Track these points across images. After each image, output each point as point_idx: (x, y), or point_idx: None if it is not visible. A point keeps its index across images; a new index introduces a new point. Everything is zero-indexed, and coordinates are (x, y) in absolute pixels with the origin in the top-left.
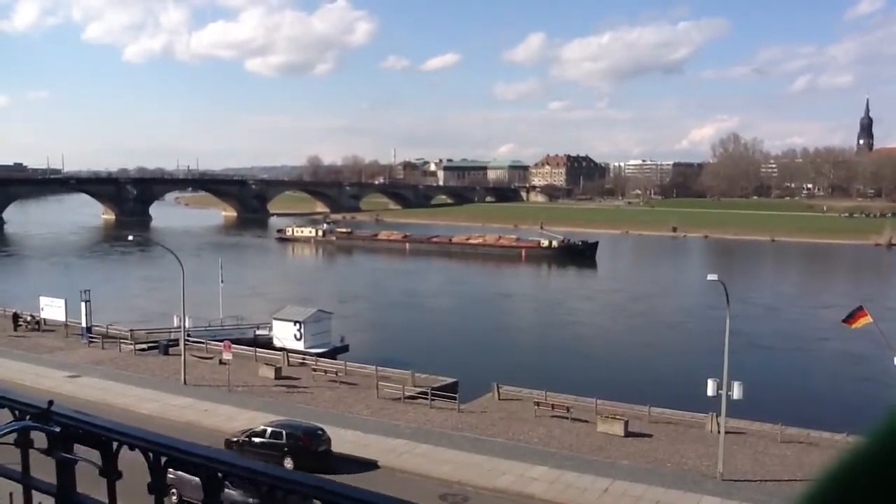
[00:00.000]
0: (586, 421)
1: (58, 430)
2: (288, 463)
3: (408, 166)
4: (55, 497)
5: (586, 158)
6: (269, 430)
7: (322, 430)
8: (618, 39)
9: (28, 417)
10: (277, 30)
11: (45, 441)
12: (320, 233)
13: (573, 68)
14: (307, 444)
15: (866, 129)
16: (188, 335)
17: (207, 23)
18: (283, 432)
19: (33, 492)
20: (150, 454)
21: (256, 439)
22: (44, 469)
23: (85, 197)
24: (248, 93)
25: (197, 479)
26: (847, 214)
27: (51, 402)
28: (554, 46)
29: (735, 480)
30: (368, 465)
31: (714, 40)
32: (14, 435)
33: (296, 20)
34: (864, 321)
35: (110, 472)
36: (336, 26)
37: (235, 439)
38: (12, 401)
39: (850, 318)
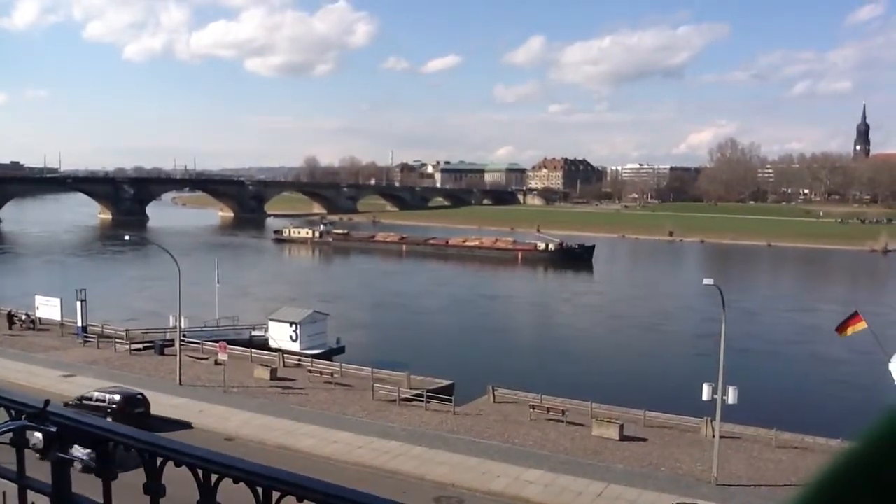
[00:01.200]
0: (581, 424)
1: (54, 429)
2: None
3: (405, 168)
4: (50, 497)
5: (584, 162)
6: (96, 394)
7: (142, 395)
8: (618, 43)
9: (24, 417)
10: (278, 30)
11: (41, 441)
12: (317, 234)
13: (573, 71)
14: (124, 407)
15: (863, 134)
16: (184, 335)
17: (208, 22)
18: (107, 396)
19: (28, 492)
20: (146, 454)
21: (86, 402)
22: (39, 469)
23: (82, 196)
24: (248, 93)
25: None
26: (840, 220)
27: (47, 402)
28: (554, 49)
29: (730, 485)
30: (183, 425)
31: (714, 45)
32: (10, 435)
33: (297, 20)
34: (859, 326)
35: (106, 472)
36: (337, 27)
37: (70, 402)
38: (8, 400)
39: (845, 323)
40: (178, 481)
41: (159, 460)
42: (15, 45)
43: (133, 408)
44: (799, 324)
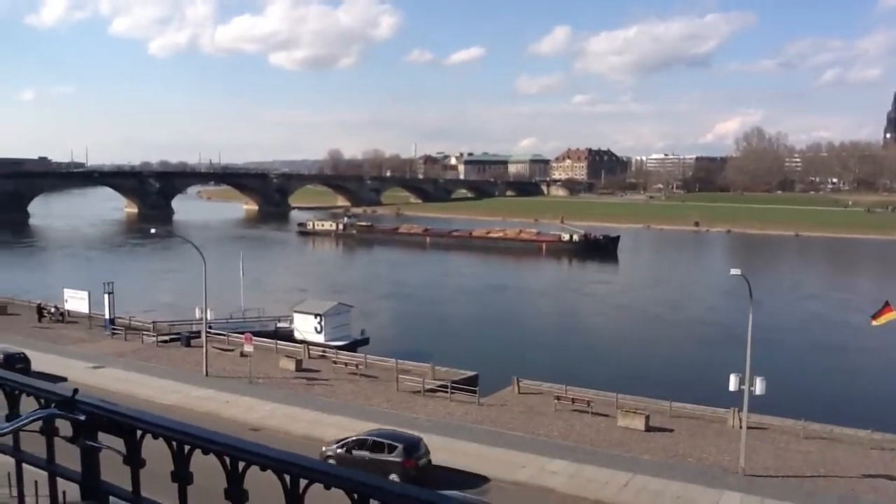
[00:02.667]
0: (607, 415)
1: (83, 418)
2: None
3: (428, 160)
4: (80, 485)
5: (608, 152)
6: None
7: (23, 353)
8: (645, 32)
9: (53, 405)
10: (302, 23)
11: (69, 429)
12: (341, 226)
13: (598, 62)
14: (5, 363)
15: (893, 122)
16: (210, 327)
17: (233, 16)
18: None
19: (58, 479)
20: (174, 443)
21: None
22: (69, 457)
23: (108, 190)
24: (272, 86)
25: None
26: (868, 209)
27: (76, 391)
28: (580, 39)
29: (757, 476)
30: (60, 378)
31: (741, 33)
32: (40, 423)
33: (321, 13)
34: (891, 316)
35: (134, 460)
36: (361, 20)
37: None
38: (38, 389)
39: (877, 313)
40: (207, 469)
41: (187, 448)
42: (42, 42)
43: (14, 364)
44: (827, 313)
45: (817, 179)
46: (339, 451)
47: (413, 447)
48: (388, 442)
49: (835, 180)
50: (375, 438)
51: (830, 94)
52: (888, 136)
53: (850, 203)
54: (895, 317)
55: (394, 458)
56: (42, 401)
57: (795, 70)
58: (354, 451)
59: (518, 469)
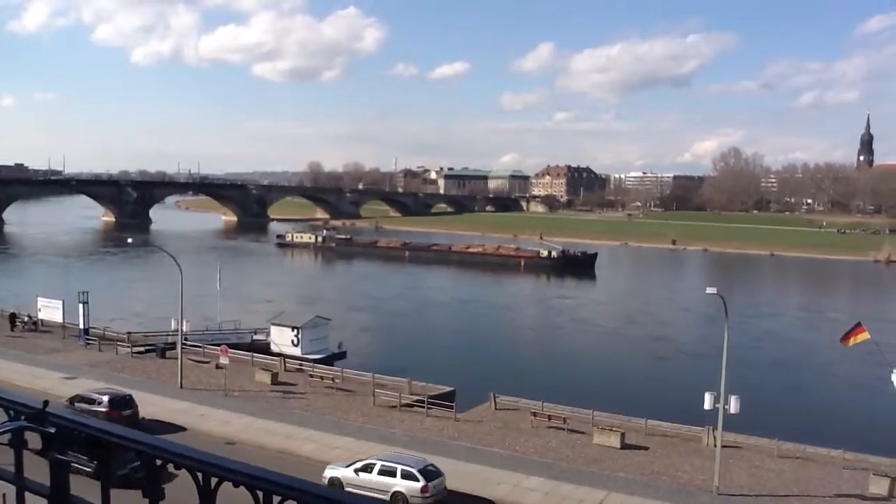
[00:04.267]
0: (583, 432)
1: (52, 430)
2: None
3: (408, 174)
4: (48, 499)
5: (587, 169)
6: None
7: None
8: (628, 51)
9: (23, 418)
10: (287, 35)
11: (39, 442)
12: (320, 239)
13: (581, 79)
14: None
15: (867, 145)
16: (185, 339)
17: (217, 26)
18: None
19: (26, 493)
20: (145, 457)
21: None
22: (38, 470)
23: (85, 198)
24: (255, 97)
25: None
26: (841, 230)
27: (46, 403)
28: (563, 57)
29: (731, 495)
30: None
31: (723, 54)
32: (8, 435)
33: (306, 25)
34: (862, 337)
35: (104, 474)
36: (346, 33)
37: None
38: (7, 401)
39: (848, 334)
40: (178, 484)
41: (158, 463)
42: (24, 48)
43: None
44: (801, 334)
45: (792, 200)
46: (69, 405)
47: (120, 402)
48: (98, 397)
49: (809, 201)
50: (91, 394)
51: (808, 115)
52: (861, 158)
53: (823, 224)
54: (866, 338)
55: (100, 409)
56: (11, 412)
57: (775, 91)
58: (76, 404)
59: (494, 486)
